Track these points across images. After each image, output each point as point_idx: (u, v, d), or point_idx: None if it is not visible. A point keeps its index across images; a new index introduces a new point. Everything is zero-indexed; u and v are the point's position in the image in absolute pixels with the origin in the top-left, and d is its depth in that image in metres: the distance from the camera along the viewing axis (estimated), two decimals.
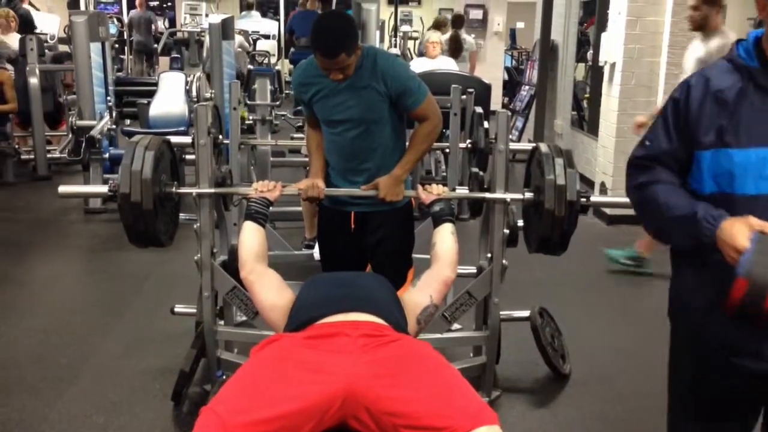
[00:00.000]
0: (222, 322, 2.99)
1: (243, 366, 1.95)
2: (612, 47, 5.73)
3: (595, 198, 2.74)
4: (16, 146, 6.91)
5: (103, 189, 2.62)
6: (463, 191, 2.98)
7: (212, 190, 2.74)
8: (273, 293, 2.25)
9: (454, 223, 2.51)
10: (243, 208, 3.45)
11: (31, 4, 10.49)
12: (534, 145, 2.79)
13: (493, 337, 2.90)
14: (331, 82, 2.59)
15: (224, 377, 2.88)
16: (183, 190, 2.72)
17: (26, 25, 7.60)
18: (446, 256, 2.39)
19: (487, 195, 2.79)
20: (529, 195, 2.69)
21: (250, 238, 2.39)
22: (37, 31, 8.14)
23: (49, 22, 9.73)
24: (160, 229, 2.63)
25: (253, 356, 1.98)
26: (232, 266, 2.96)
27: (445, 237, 2.45)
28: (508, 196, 2.75)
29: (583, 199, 2.58)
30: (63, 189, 2.78)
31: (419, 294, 2.30)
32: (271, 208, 2.55)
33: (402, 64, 2.82)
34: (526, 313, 3.22)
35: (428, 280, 2.34)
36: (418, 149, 2.74)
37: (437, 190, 2.61)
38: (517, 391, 3.08)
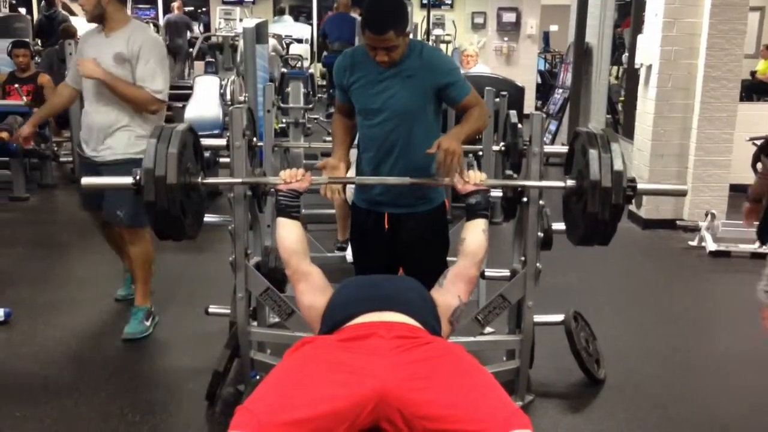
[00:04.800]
0: (255, 323, 3.01)
1: (278, 366, 1.96)
2: (648, 49, 5.66)
3: (643, 185, 2.52)
4: (55, 149, 7.05)
5: (127, 181, 2.49)
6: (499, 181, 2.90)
7: (239, 180, 2.70)
8: (312, 294, 2.28)
9: (488, 219, 2.46)
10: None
11: (69, 9, 10.70)
12: (577, 130, 2.64)
13: (527, 341, 2.87)
14: (375, 68, 2.59)
15: (257, 378, 2.90)
16: (209, 180, 2.65)
17: (65, 32, 7.76)
18: (475, 254, 2.36)
19: (527, 182, 2.72)
20: (571, 183, 2.56)
21: (287, 235, 2.39)
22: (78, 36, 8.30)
23: (87, 28, 9.90)
24: (188, 226, 2.56)
25: (287, 358, 1.99)
26: (266, 267, 2.98)
27: (476, 233, 2.41)
28: (548, 184, 2.69)
29: (630, 191, 2.42)
30: (86, 181, 2.71)
31: (448, 295, 2.29)
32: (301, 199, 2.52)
33: (448, 57, 2.84)
34: (560, 317, 3.19)
35: (454, 279, 2.33)
36: (473, 123, 2.63)
37: (475, 177, 2.50)
38: (551, 396, 3.05)
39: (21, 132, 3.90)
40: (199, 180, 2.58)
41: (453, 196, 3.07)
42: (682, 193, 2.79)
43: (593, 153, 2.41)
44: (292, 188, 2.48)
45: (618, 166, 2.39)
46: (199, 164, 2.64)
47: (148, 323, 3.58)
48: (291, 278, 2.37)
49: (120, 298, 3.99)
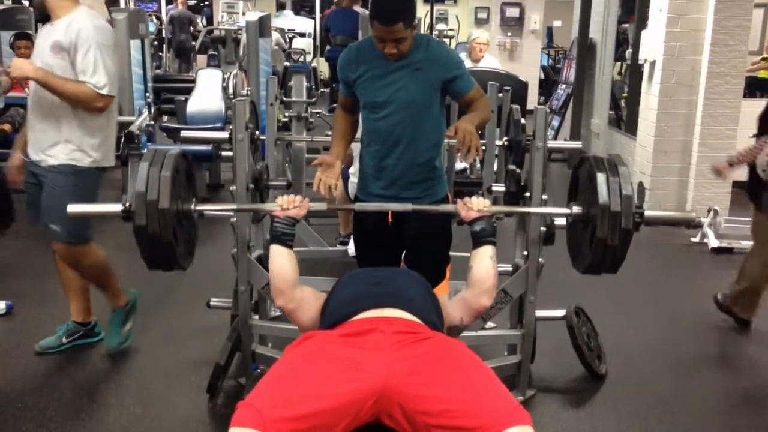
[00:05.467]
0: (257, 316, 3.01)
1: (279, 361, 1.96)
2: (652, 45, 5.65)
3: (651, 212, 2.41)
4: None
5: (117, 208, 2.37)
6: (501, 205, 2.85)
7: (234, 207, 2.67)
8: (310, 312, 2.25)
9: (494, 245, 2.36)
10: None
11: None
12: (583, 156, 2.58)
13: (529, 336, 2.87)
14: (382, 61, 2.58)
15: (259, 371, 2.91)
16: (203, 207, 2.53)
17: None
18: (484, 283, 2.27)
19: (531, 209, 2.70)
20: (577, 209, 2.48)
21: (282, 265, 2.28)
22: None
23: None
24: (180, 255, 2.44)
25: (288, 352, 1.99)
26: (267, 261, 2.98)
27: (484, 261, 2.30)
28: (553, 210, 2.66)
29: (638, 218, 2.34)
30: (72, 209, 2.51)
31: (452, 309, 2.29)
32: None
33: (454, 51, 2.86)
34: (562, 313, 3.19)
35: (463, 303, 2.30)
36: (480, 113, 2.62)
37: (478, 204, 2.38)
38: (552, 391, 3.05)
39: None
40: (192, 207, 2.46)
41: (455, 191, 3.07)
42: (691, 221, 2.72)
43: (601, 177, 2.34)
44: (289, 215, 2.37)
45: (627, 190, 2.33)
46: (191, 192, 2.51)
47: (127, 327, 3.38)
48: (285, 308, 2.28)
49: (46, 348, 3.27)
